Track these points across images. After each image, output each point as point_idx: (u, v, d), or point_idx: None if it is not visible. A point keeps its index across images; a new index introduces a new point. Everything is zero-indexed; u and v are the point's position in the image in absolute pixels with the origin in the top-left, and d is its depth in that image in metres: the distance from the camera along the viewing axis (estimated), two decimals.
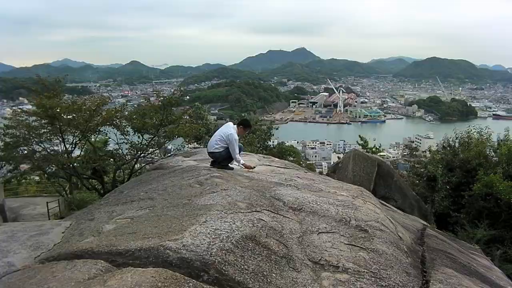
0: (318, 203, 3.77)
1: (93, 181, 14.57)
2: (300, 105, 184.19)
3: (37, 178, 19.90)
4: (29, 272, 2.95)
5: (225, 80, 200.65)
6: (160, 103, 13.99)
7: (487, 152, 13.12)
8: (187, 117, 15.04)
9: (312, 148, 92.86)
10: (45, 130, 12.53)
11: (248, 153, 8.90)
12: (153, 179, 6.09)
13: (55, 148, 13.40)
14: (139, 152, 13.79)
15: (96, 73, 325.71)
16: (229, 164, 6.04)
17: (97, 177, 14.08)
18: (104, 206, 5.13)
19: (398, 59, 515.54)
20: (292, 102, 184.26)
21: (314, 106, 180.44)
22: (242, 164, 5.94)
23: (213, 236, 2.86)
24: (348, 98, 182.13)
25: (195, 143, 16.72)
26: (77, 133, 12.91)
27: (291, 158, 21.24)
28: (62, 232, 4.19)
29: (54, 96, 12.37)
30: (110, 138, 16.07)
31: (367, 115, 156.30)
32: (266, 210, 3.62)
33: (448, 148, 14.24)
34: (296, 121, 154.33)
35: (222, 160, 5.96)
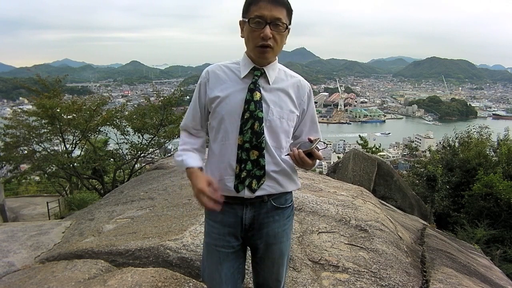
0: (318, 203, 3.77)
1: (93, 181, 14.58)
2: None
3: (37, 178, 19.92)
4: (29, 272, 2.95)
5: None
6: (160, 103, 14.01)
7: (487, 152, 13.13)
8: None
9: None
10: (45, 130, 12.55)
11: None
12: (153, 179, 6.08)
13: (55, 148, 13.42)
14: (139, 152, 13.79)
15: (96, 73, 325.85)
16: None
17: (97, 177, 14.09)
18: (104, 206, 5.13)
19: (398, 59, 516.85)
20: None
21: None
22: None
23: None
24: (348, 98, 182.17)
25: None
26: (77, 133, 12.93)
27: None
28: (62, 232, 4.20)
29: (54, 96, 12.41)
30: (110, 138, 16.09)
31: (367, 115, 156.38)
32: None
33: (448, 148, 14.24)
34: None
35: None
